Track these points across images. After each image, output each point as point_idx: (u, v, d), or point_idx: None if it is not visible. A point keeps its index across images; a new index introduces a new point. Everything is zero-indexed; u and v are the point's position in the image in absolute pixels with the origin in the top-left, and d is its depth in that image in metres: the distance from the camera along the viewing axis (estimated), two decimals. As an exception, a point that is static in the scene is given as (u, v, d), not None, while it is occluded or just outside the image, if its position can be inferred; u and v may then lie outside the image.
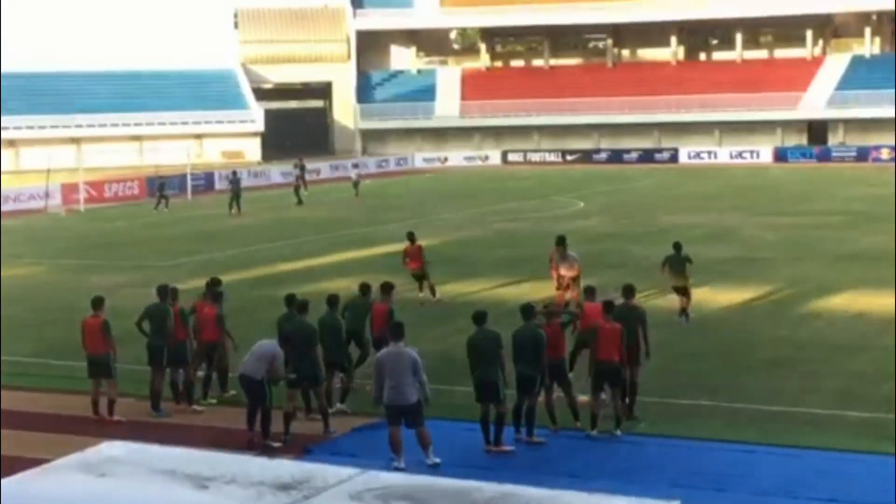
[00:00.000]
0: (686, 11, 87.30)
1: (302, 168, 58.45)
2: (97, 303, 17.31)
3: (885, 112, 77.20)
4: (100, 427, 16.13)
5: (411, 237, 26.59)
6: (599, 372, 15.59)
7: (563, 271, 22.95)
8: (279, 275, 30.32)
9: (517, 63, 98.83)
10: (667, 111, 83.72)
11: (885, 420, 15.63)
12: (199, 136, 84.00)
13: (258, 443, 15.15)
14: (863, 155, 75.75)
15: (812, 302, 24.96)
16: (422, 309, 24.24)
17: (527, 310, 15.56)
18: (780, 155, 78.40)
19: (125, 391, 18.19)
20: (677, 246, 23.50)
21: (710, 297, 25.53)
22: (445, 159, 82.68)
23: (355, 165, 65.40)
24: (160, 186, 54.11)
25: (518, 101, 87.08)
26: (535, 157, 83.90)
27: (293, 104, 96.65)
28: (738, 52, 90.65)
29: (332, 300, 17.20)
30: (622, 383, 15.78)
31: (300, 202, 52.67)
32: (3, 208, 52.27)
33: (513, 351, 15.23)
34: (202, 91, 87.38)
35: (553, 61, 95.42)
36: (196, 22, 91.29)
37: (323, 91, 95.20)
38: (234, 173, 52.79)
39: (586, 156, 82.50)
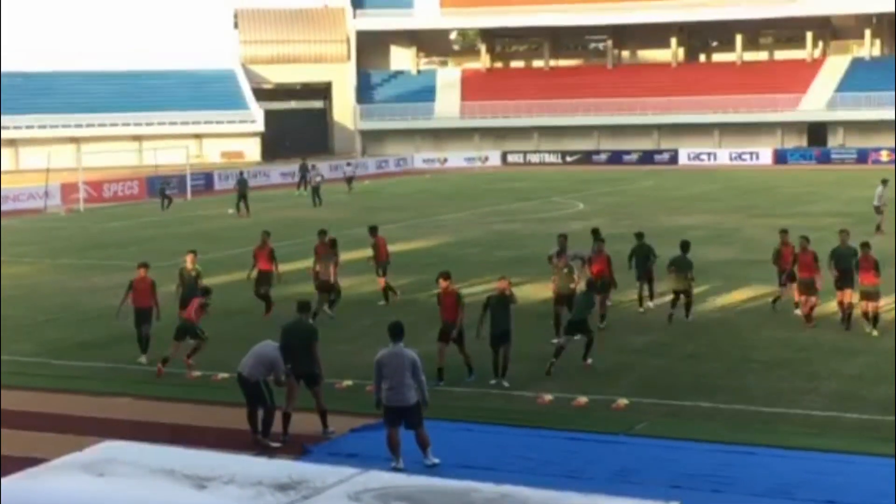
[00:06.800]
0: (686, 13, 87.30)
1: (305, 168, 59.38)
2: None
3: (885, 114, 77.14)
4: (99, 427, 16.14)
5: (322, 233, 25.87)
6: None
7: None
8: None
9: (517, 64, 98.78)
10: (666, 112, 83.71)
11: (883, 422, 15.65)
12: (198, 137, 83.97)
13: (259, 443, 15.18)
14: (862, 157, 75.70)
15: (811, 304, 24.89)
16: (421, 310, 24.19)
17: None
18: (780, 157, 78.37)
19: (123, 392, 18.27)
20: (684, 246, 23.59)
21: (710, 298, 25.54)
22: (445, 160, 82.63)
23: (349, 164, 65.77)
24: (162, 188, 54.51)
25: (518, 102, 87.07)
26: (534, 158, 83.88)
27: (293, 104, 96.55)
28: (738, 54, 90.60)
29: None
30: None
31: (317, 203, 52.26)
32: (3, 208, 52.28)
33: None
34: (202, 91, 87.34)
35: (553, 62, 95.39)
36: (196, 22, 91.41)
37: (323, 91, 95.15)
38: (241, 174, 53.30)
39: (586, 157, 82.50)
